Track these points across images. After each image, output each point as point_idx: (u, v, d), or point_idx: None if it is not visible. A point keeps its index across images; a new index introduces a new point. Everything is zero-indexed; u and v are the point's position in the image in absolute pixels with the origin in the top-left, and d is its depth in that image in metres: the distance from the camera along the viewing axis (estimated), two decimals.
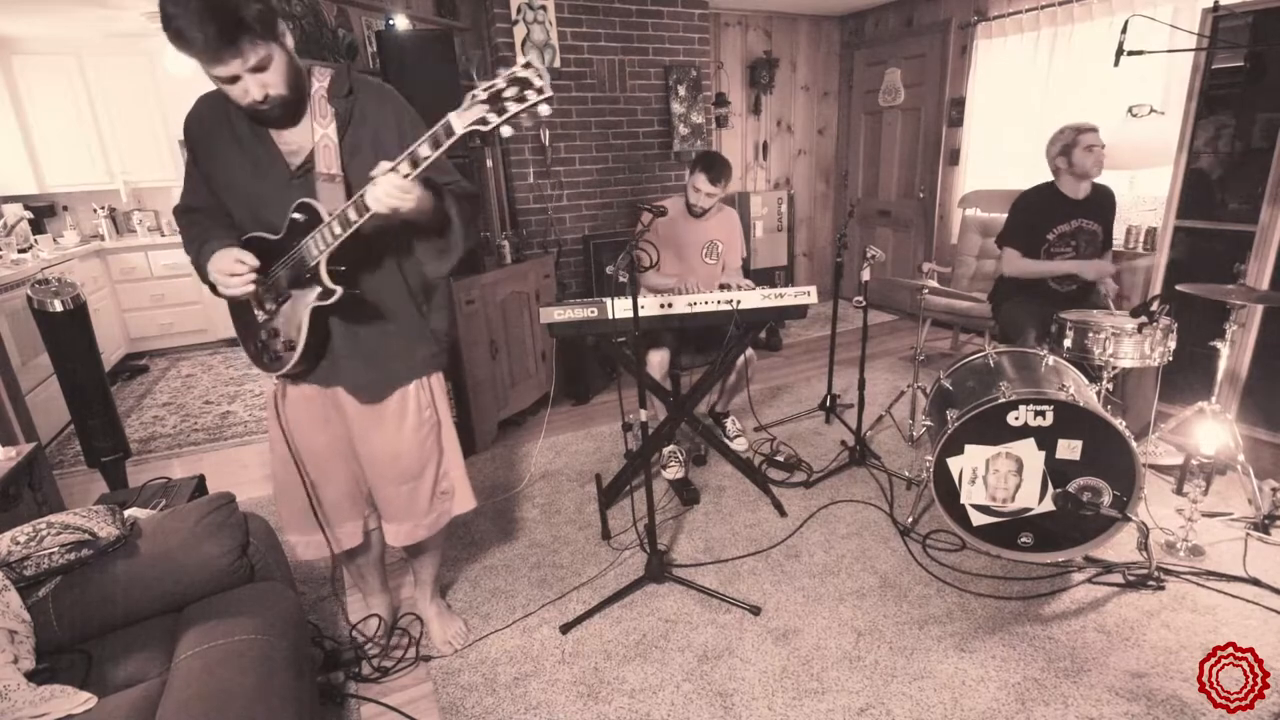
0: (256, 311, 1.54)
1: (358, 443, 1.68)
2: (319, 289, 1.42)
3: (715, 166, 2.89)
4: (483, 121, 1.18)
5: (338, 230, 1.35)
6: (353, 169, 1.41)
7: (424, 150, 1.24)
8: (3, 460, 1.94)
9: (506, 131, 1.20)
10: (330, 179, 1.41)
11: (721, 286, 2.70)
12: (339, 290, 1.41)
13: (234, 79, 1.27)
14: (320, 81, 1.43)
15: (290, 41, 1.34)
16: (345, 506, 1.77)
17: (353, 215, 1.33)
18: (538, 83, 1.14)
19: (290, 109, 1.38)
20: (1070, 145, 2.81)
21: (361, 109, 1.46)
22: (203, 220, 1.55)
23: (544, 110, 1.17)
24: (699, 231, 3.06)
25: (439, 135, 1.22)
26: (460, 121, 1.20)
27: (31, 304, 2.46)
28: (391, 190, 1.25)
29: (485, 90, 1.17)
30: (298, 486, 1.68)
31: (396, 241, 1.52)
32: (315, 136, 1.41)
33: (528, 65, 1.14)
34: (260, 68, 1.27)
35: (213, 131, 1.47)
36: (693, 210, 2.99)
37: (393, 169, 1.25)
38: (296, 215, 1.40)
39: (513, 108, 1.16)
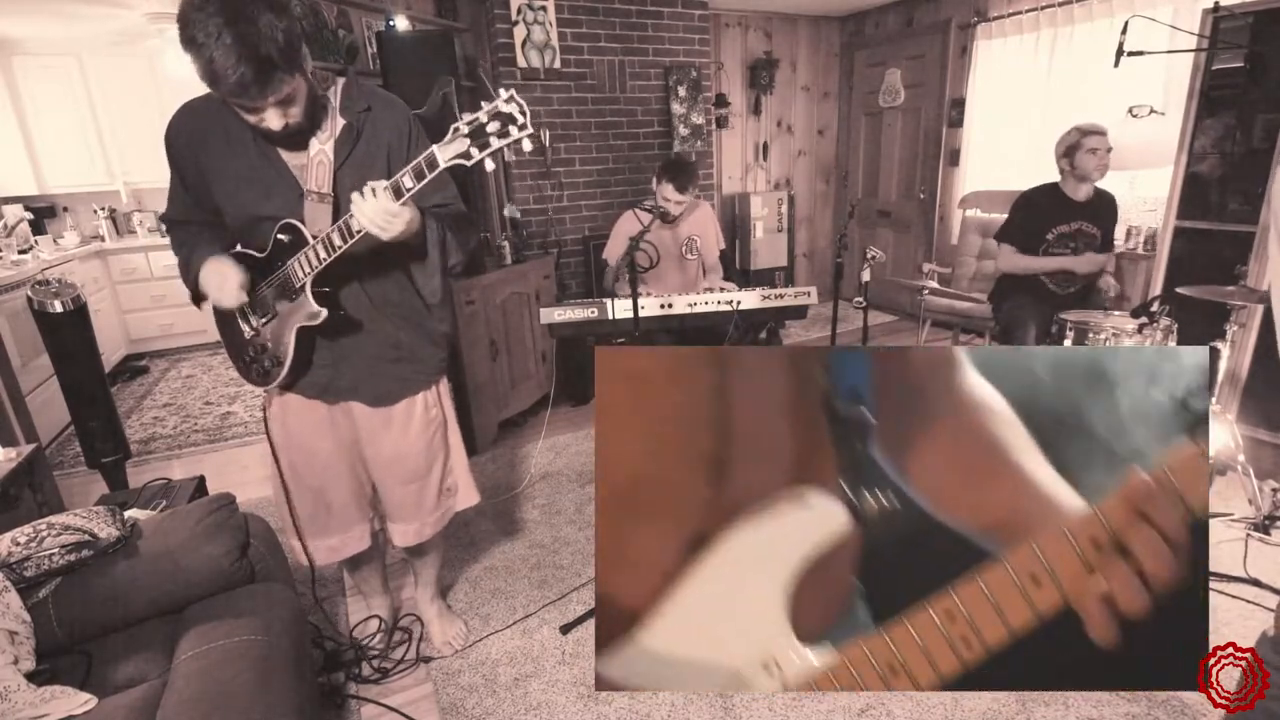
0: (243, 326, 1.53)
1: (365, 446, 1.68)
2: (305, 310, 1.42)
3: (681, 174, 2.89)
4: (466, 155, 1.21)
5: (323, 254, 1.35)
6: (346, 188, 1.34)
7: (407, 181, 1.25)
8: (3, 461, 1.93)
9: (489, 165, 1.22)
10: (320, 198, 1.39)
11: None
12: (324, 312, 1.41)
13: (255, 110, 1.24)
14: (333, 95, 1.40)
15: (310, 65, 1.30)
16: (353, 510, 1.76)
17: (338, 240, 1.33)
18: (520, 119, 1.17)
19: (303, 134, 1.36)
20: (1074, 146, 2.81)
21: (375, 126, 1.43)
22: (193, 229, 1.54)
23: (526, 145, 1.20)
24: (674, 233, 3.06)
25: (422, 167, 1.23)
26: (443, 154, 1.22)
27: (32, 305, 2.46)
28: (381, 213, 1.25)
29: (468, 125, 1.19)
30: (301, 492, 1.68)
31: (398, 256, 1.49)
32: (311, 151, 1.38)
33: (510, 99, 1.16)
34: (286, 102, 1.25)
35: (204, 144, 1.42)
36: (665, 218, 2.97)
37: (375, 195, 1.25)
38: (281, 236, 1.39)
39: (495, 143, 1.18)
